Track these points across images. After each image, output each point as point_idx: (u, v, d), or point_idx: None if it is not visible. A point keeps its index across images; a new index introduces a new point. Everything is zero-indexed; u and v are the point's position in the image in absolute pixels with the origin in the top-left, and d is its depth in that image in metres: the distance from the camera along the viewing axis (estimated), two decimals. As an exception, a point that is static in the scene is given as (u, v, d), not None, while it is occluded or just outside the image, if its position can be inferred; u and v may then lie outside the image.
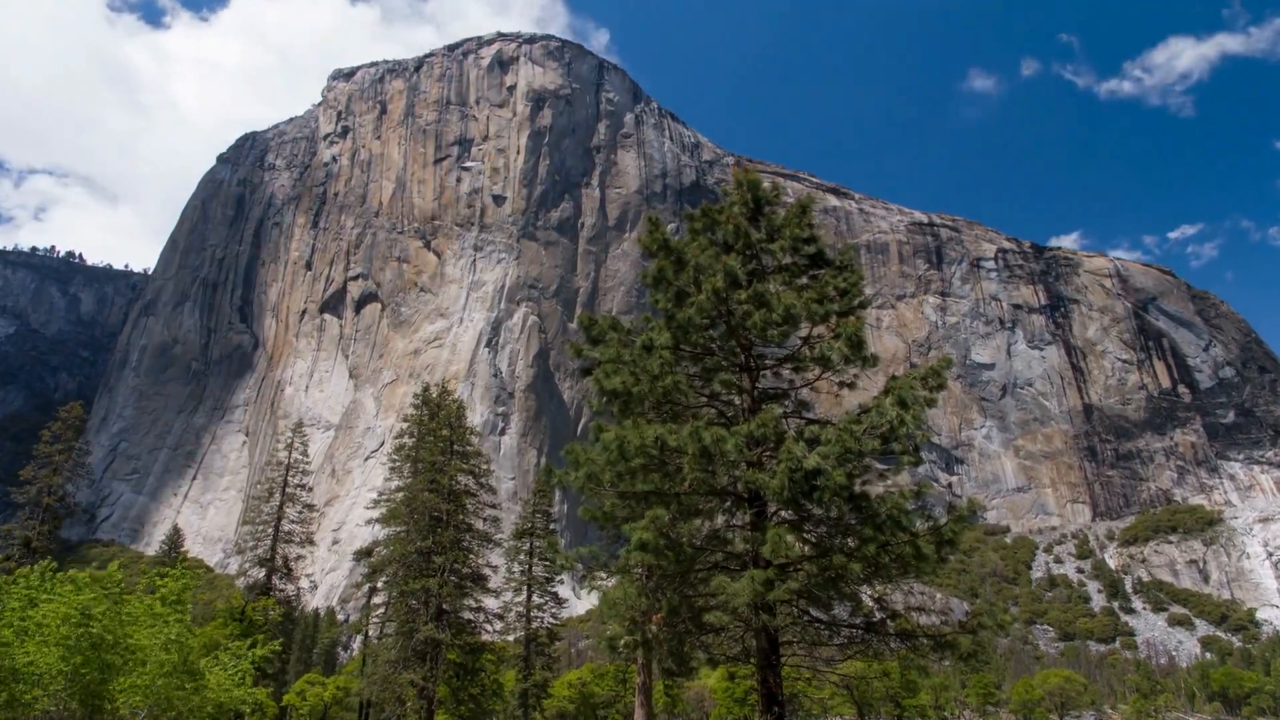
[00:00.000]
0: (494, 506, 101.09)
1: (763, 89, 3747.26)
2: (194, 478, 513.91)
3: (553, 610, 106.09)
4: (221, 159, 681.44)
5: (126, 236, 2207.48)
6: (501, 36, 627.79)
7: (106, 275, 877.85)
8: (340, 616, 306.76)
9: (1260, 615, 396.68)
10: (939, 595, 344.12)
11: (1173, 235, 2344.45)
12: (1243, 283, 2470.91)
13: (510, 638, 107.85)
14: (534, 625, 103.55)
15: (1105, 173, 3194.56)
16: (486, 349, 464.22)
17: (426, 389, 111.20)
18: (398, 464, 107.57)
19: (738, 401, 35.80)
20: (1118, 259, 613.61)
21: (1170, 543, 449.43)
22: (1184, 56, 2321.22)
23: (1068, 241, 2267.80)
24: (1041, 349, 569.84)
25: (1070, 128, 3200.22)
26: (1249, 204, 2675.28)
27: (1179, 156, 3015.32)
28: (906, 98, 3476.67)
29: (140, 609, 40.18)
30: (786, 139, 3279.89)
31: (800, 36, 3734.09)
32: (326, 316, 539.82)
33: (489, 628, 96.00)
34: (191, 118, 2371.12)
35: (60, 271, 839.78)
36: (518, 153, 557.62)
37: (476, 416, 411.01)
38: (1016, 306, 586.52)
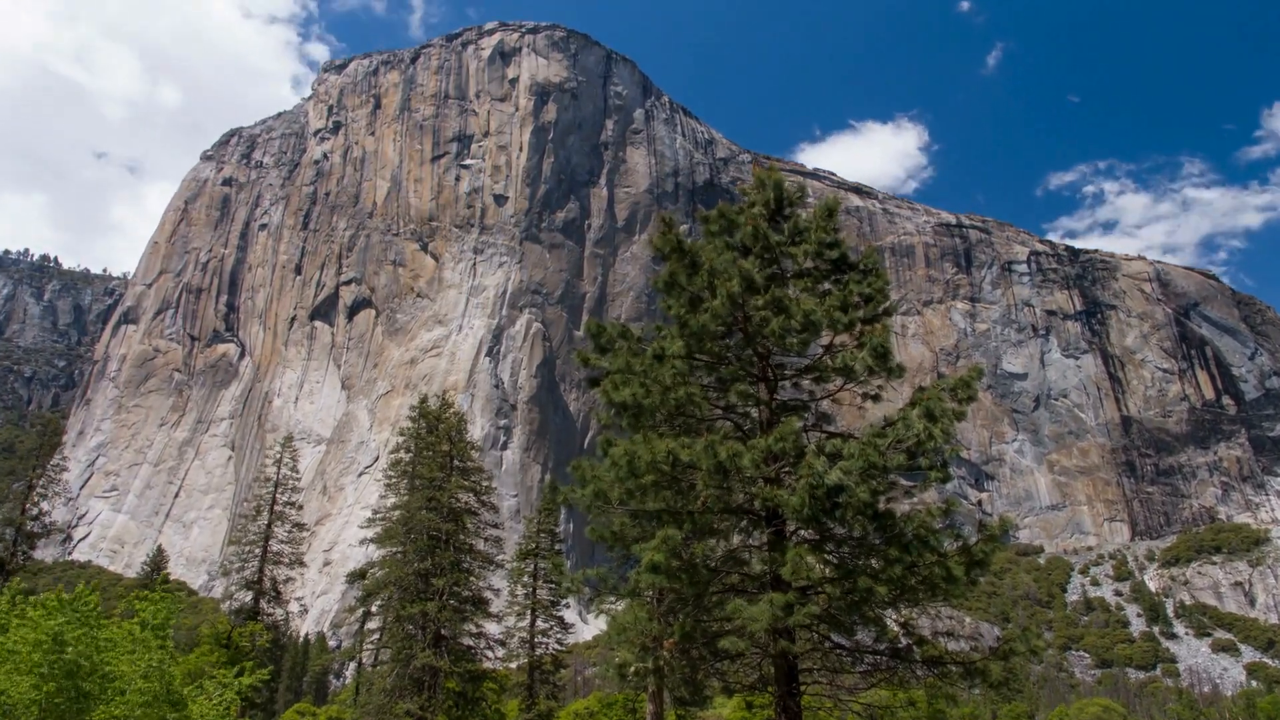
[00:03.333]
0: (496, 526, 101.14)
1: (778, 81, 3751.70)
2: (176, 495, 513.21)
3: (558, 636, 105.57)
4: (205, 156, 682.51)
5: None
6: (503, 26, 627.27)
7: (84, 280, 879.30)
8: (332, 642, 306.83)
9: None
10: (968, 619, 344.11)
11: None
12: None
13: (513, 665, 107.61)
14: (538, 652, 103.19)
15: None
16: (487, 358, 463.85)
17: (424, 400, 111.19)
18: (393, 480, 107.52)
19: (755, 414, 35.83)
20: (1157, 261, 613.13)
21: (1214, 563, 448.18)
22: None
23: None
24: (1077, 358, 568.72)
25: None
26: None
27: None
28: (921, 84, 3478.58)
29: (119, 634, 40.12)
30: (804, 135, 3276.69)
31: (815, 29, 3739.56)
32: (317, 324, 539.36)
33: (490, 654, 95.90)
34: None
35: (34, 276, 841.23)
36: (520, 150, 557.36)
37: (477, 430, 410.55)
38: (1050, 313, 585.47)
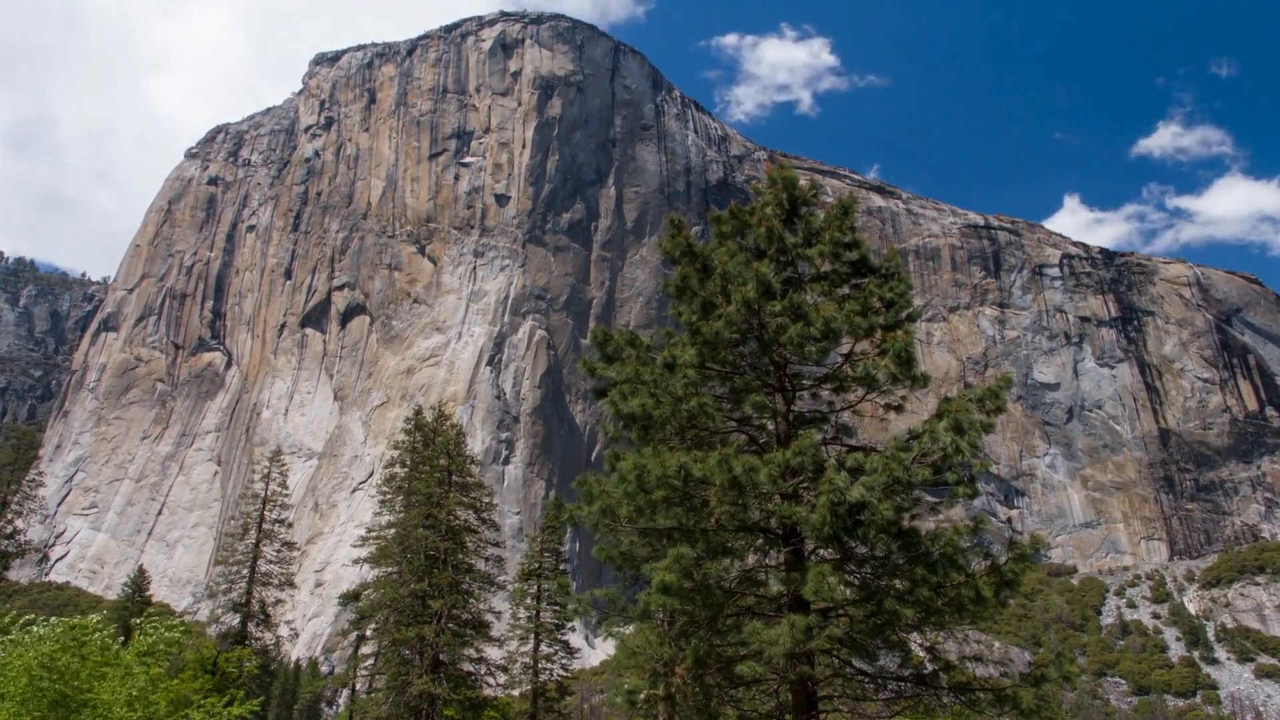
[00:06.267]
0: (497, 544, 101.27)
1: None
2: (159, 512, 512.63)
3: (563, 661, 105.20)
4: (190, 154, 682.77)
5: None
6: (504, 16, 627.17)
7: (61, 285, 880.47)
8: (324, 668, 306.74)
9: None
10: (997, 644, 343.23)
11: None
12: None
13: (515, 692, 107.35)
14: (542, 678, 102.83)
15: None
16: (488, 367, 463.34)
17: (420, 412, 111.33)
18: (388, 497, 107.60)
19: (771, 426, 35.78)
20: (1197, 266, 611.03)
21: (1257, 584, 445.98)
22: None
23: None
24: (1112, 367, 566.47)
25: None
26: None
27: None
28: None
29: (105, 660, 39.94)
30: (823, 132, 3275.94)
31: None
32: (308, 331, 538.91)
33: (491, 681, 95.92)
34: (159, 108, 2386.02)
35: (9, 281, 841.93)
36: (523, 147, 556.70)
37: (477, 443, 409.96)
38: (1084, 319, 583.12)
